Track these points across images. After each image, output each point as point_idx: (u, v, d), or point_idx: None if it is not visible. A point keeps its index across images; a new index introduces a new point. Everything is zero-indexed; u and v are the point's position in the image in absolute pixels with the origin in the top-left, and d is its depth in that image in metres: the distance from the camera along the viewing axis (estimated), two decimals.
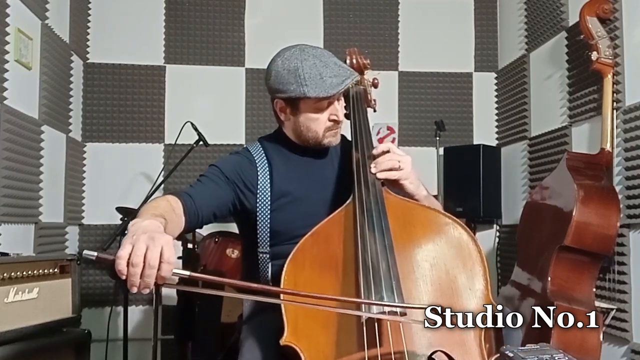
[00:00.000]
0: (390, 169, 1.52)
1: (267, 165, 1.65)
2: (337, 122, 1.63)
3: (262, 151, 1.68)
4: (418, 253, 1.39)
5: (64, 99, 3.14)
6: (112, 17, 3.49)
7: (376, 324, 1.23)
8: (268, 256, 1.61)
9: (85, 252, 1.08)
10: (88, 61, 3.47)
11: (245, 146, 1.75)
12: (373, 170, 1.53)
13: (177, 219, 1.42)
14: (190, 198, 1.50)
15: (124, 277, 1.07)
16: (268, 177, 1.63)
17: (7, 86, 2.37)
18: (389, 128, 1.66)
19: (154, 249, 1.08)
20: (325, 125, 1.62)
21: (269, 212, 1.60)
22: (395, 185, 1.56)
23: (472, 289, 1.32)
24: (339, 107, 1.63)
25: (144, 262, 1.07)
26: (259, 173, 1.63)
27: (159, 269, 1.08)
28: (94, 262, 2.50)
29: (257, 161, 1.65)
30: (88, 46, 3.46)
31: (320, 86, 1.53)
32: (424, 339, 1.24)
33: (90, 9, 3.46)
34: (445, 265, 1.35)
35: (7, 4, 2.39)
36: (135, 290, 1.08)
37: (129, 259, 1.06)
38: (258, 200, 1.61)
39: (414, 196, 1.56)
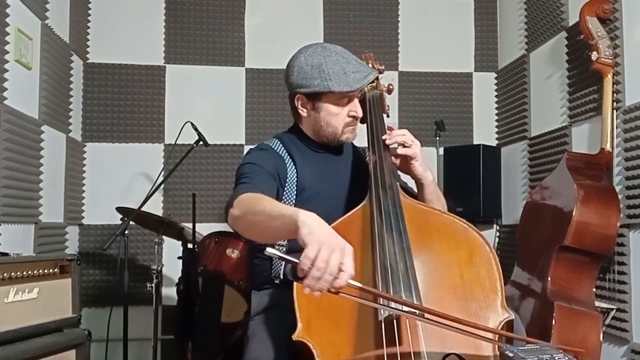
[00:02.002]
0: (403, 144, 1.63)
1: (291, 160, 1.68)
2: (355, 118, 1.67)
3: (283, 147, 1.71)
4: (434, 257, 1.40)
5: (64, 99, 3.14)
6: (112, 17, 3.49)
7: (395, 323, 1.23)
8: (284, 249, 1.63)
9: (268, 249, 1.10)
10: (88, 61, 3.47)
11: (264, 142, 1.75)
12: (388, 140, 1.62)
13: None
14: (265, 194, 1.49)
15: (302, 276, 1.09)
16: (295, 171, 1.66)
17: (7, 86, 2.37)
18: (388, 128, 1.68)
19: (338, 256, 1.09)
20: (344, 121, 1.66)
21: (293, 206, 1.62)
22: (405, 165, 1.65)
23: (486, 294, 1.33)
24: (358, 104, 1.67)
25: (326, 268, 1.08)
26: (287, 168, 1.66)
27: (337, 277, 1.09)
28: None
29: (283, 157, 1.68)
30: (88, 46, 3.46)
31: (343, 81, 1.57)
32: (439, 341, 1.24)
33: (90, 9, 3.46)
34: (461, 270, 1.36)
35: (7, 4, 2.38)
36: (308, 291, 1.11)
37: (313, 261, 1.08)
38: (285, 195, 1.64)
39: (422, 179, 1.65)
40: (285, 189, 1.64)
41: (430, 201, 1.66)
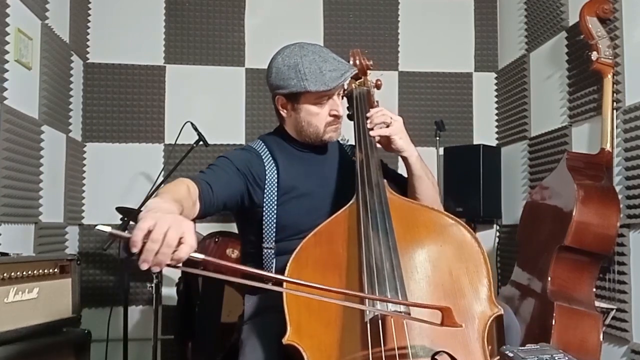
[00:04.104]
0: (383, 123, 1.63)
1: (272, 161, 1.67)
2: (337, 117, 1.66)
3: (266, 148, 1.71)
4: (421, 254, 1.39)
5: (64, 99, 3.14)
6: (112, 17, 3.49)
7: (380, 323, 1.23)
8: (273, 252, 1.63)
9: (99, 226, 1.05)
10: (88, 61, 3.47)
11: (247, 144, 1.76)
12: (369, 126, 1.63)
13: (192, 207, 1.42)
14: (208, 185, 1.49)
15: (136, 250, 1.05)
16: (275, 172, 1.65)
17: (7, 86, 2.37)
18: (370, 106, 1.70)
19: (176, 230, 1.06)
20: (325, 120, 1.65)
21: (275, 206, 1.62)
22: (387, 142, 1.64)
23: (475, 289, 1.32)
24: (339, 102, 1.66)
25: (163, 239, 1.04)
26: (266, 168, 1.65)
27: (176, 250, 1.05)
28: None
29: (263, 157, 1.67)
30: (88, 46, 3.46)
31: (320, 80, 1.56)
32: (427, 338, 1.24)
33: (90, 9, 3.46)
34: (449, 266, 1.36)
35: (7, 4, 2.38)
36: (145, 266, 1.05)
37: (148, 233, 1.05)
38: (265, 195, 1.62)
39: (404, 152, 1.64)
40: (266, 189, 1.63)
41: (420, 177, 1.65)
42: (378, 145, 1.66)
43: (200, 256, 1.09)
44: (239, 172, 1.60)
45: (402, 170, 1.78)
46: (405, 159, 1.66)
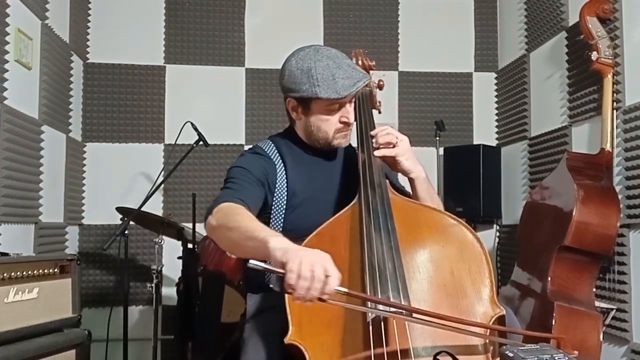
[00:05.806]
0: (388, 143, 1.60)
1: (282, 164, 1.66)
2: (347, 124, 1.64)
3: (276, 150, 1.69)
4: (423, 254, 1.39)
5: (64, 99, 3.14)
6: (112, 17, 3.49)
7: (382, 323, 1.23)
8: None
9: (252, 262, 1.13)
10: (88, 61, 3.47)
11: (257, 145, 1.73)
12: (375, 145, 1.61)
13: None
14: (245, 203, 1.47)
15: (291, 291, 1.12)
16: (285, 176, 1.64)
17: (7, 86, 2.37)
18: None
19: (320, 265, 1.12)
20: (335, 126, 1.63)
21: (283, 211, 1.61)
22: (393, 163, 1.62)
23: (477, 290, 1.33)
24: (350, 109, 1.63)
25: (313, 276, 1.10)
26: (277, 173, 1.64)
27: (325, 283, 1.11)
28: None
29: (274, 160, 1.66)
30: (88, 46, 3.46)
31: (332, 87, 1.54)
32: (429, 339, 1.24)
33: (90, 9, 3.46)
34: (451, 267, 1.36)
35: (7, 4, 2.39)
36: (299, 302, 1.14)
37: (298, 273, 1.10)
38: (275, 200, 1.62)
39: (411, 173, 1.62)
40: (275, 194, 1.62)
41: (422, 199, 1.63)
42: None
43: (344, 290, 1.15)
44: (259, 182, 1.58)
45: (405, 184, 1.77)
46: (412, 180, 1.64)
